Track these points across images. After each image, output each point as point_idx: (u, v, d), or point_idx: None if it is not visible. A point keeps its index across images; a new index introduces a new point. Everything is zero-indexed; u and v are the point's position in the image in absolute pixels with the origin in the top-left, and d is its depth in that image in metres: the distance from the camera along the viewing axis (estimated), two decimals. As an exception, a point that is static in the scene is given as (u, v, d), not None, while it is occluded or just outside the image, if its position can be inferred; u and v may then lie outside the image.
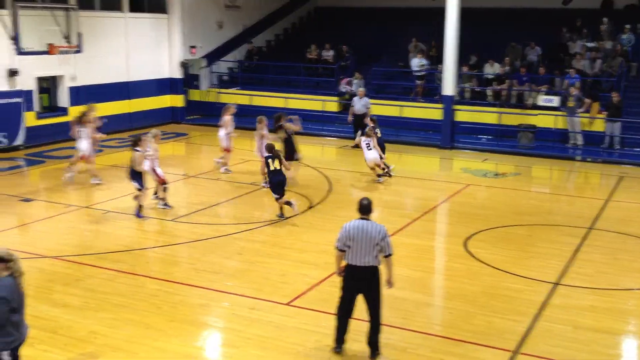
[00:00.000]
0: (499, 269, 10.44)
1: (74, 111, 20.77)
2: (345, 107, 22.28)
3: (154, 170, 13.16)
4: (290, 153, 15.14)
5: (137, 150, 12.65)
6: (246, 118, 23.59)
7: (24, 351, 6.39)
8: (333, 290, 9.41)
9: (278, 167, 12.80)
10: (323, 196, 14.65)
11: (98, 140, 15.99)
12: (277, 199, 12.78)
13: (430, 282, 10.46)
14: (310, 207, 13.73)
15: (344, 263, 7.61)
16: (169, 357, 7.64)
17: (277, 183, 12.78)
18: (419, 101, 22.91)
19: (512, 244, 11.73)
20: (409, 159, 19.61)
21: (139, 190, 12.73)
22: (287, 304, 9.04)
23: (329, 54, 25.82)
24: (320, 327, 8.31)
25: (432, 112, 21.55)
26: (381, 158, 15.90)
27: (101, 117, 16.38)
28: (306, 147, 20.52)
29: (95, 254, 10.89)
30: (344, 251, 7.50)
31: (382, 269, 7.56)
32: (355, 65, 25.14)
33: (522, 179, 17.24)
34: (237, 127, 20.70)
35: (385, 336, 7.93)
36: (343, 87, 23.77)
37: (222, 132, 16.83)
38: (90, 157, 15.43)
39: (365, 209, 7.56)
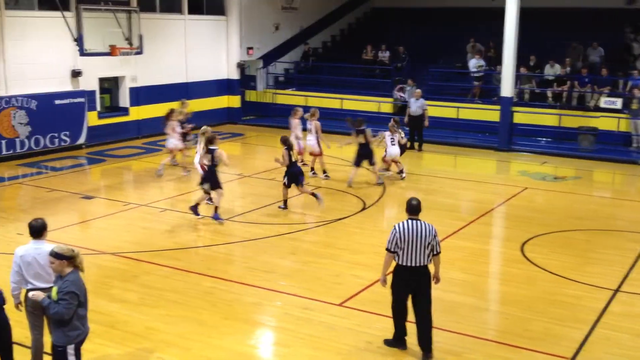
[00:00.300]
0: (557, 275, 10.19)
1: (134, 111, 21.36)
2: (401, 108, 22.14)
3: (202, 166, 13.37)
4: (367, 157, 15.37)
5: (214, 149, 12.72)
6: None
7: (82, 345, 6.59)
8: (386, 292, 9.36)
9: (295, 159, 13.63)
10: (377, 198, 14.57)
11: (188, 134, 16.81)
12: (284, 185, 13.39)
13: (486, 286, 10.29)
14: (363, 209, 13.69)
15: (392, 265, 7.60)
16: (223, 354, 7.72)
17: (294, 173, 13.27)
18: (476, 102, 22.60)
19: (571, 249, 11.43)
20: (465, 161, 19.35)
21: (207, 192, 12.88)
22: (340, 305, 9.03)
23: (385, 55, 25.70)
24: (372, 328, 8.28)
25: (490, 113, 21.20)
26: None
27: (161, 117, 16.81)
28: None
29: (152, 251, 11.11)
30: (395, 253, 7.46)
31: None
32: (412, 66, 24.97)
33: (583, 182, 16.79)
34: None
35: (439, 340, 7.84)
36: (395, 95, 23.65)
37: (292, 137, 16.96)
38: (173, 151, 16.29)
39: (415, 209, 7.54)
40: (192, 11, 23.32)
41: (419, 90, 20.04)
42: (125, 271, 10.23)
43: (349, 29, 29.99)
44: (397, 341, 7.81)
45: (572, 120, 20.59)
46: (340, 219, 12.85)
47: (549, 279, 10.05)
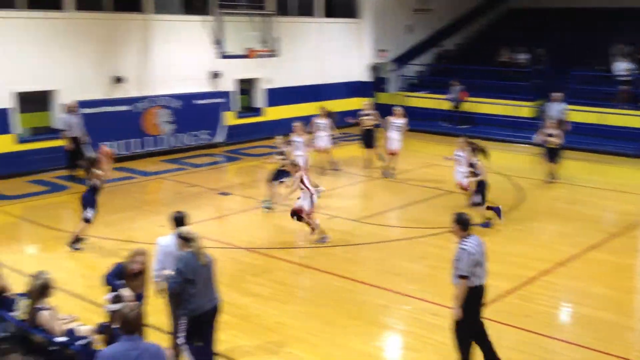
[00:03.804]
0: None
1: (269, 112, 21.95)
2: (540, 113, 21.26)
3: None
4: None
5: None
6: (433, 122, 23.47)
7: (217, 335, 6.82)
8: (520, 303, 9.06)
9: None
10: (512, 205, 14.04)
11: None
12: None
13: (630, 303, 9.59)
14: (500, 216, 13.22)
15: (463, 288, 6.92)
16: (349, 353, 7.71)
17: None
18: (622, 108, 21.26)
19: None
20: (608, 169, 18.28)
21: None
22: (471, 313, 8.75)
23: (522, 57, 24.78)
24: (504, 339, 7.96)
25: (637, 120, 19.89)
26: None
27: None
28: (495, 154, 19.92)
29: (284, 248, 11.33)
30: (468, 278, 6.86)
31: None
32: (551, 68, 23.93)
33: None
34: (423, 130, 20.58)
35: (581, 356, 7.43)
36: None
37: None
38: (327, 149, 16.72)
39: (469, 222, 7.06)
40: (326, 14, 23.63)
41: (558, 94, 19.13)
42: (258, 266, 10.49)
43: (485, 30, 29.20)
44: None
45: None
46: (474, 225, 12.46)
47: (703, 300, 9.26)
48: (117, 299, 6.56)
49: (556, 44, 24.84)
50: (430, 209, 13.73)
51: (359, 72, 25.10)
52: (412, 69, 26.74)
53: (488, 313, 8.65)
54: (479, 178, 12.40)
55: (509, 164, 18.27)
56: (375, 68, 25.22)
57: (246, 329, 8.24)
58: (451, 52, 27.86)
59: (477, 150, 12.61)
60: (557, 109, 18.78)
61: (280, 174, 13.48)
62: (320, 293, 9.42)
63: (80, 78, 17.34)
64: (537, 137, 16.13)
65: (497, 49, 25.54)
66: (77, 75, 17.30)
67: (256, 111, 22.13)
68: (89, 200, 11.03)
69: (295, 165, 11.74)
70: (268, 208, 13.41)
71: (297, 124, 15.04)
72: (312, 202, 11.42)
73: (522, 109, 22.77)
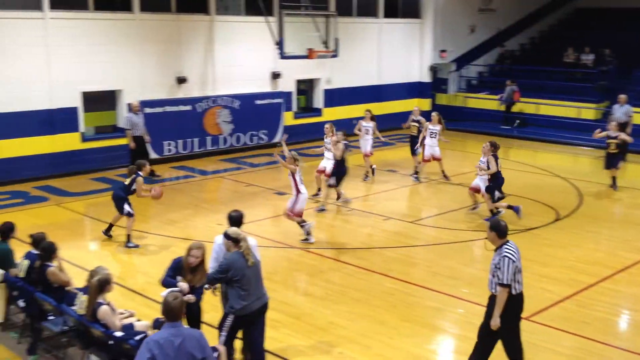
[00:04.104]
0: None
1: (327, 112, 22.04)
2: (605, 115, 20.70)
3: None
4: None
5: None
6: (492, 123, 23.15)
7: (269, 332, 6.95)
8: (577, 309, 8.89)
9: None
10: (572, 209, 13.74)
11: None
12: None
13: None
14: (556, 220, 12.98)
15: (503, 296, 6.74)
16: (401, 356, 7.72)
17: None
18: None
19: None
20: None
21: None
22: (526, 319, 8.56)
23: (588, 58, 24.17)
24: (560, 346, 7.84)
25: None
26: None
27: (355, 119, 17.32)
28: (556, 156, 19.52)
29: (337, 249, 11.40)
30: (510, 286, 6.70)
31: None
32: (617, 69, 23.25)
33: None
34: (482, 132, 20.31)
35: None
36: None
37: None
38: (370, 152, 16.47)
39: (506, 229, 6.81)
40: (387, 15, 23.57)
41: (623, 96, 18.57)
42: (312, 266, 10.60)
43: (550, 30, 28.58)
44: None
45: None
46: (530, 229, 12.29)
47: None
48: None
49: (623, 44, 24.11)
50: (485, 212, 13.54)
51: (419, 73, 24.94)
52: (473, 69, 26.42)
53: (544, 318, 8.59)
54: (489, 171, 12.55)
55: (569, 166, 17.91)
56: (434, 69, 25.01)
57: (299, 329, 8.34)
58: (514, 53, 27.39)
59: (494, 146, 12.65)
60: (622, 111, 18.26)
61: (335, 174, 13.61)
62: (373, 294, 9.45)
63: (144, 78, 17.81)
64: (597, 133, 15.49)
65: (561, 50, 24.99)
66: (142, 75, 17.77)
67: (317, 112, 22.26)
68: (124, 199, 11.43)
69: (295, 160, 11.59)
70: (322, 210, 13.53)
71: (327, 126, 14.89)
72: (296, 201, 11.40)
73: (586, 111, 22.21)
